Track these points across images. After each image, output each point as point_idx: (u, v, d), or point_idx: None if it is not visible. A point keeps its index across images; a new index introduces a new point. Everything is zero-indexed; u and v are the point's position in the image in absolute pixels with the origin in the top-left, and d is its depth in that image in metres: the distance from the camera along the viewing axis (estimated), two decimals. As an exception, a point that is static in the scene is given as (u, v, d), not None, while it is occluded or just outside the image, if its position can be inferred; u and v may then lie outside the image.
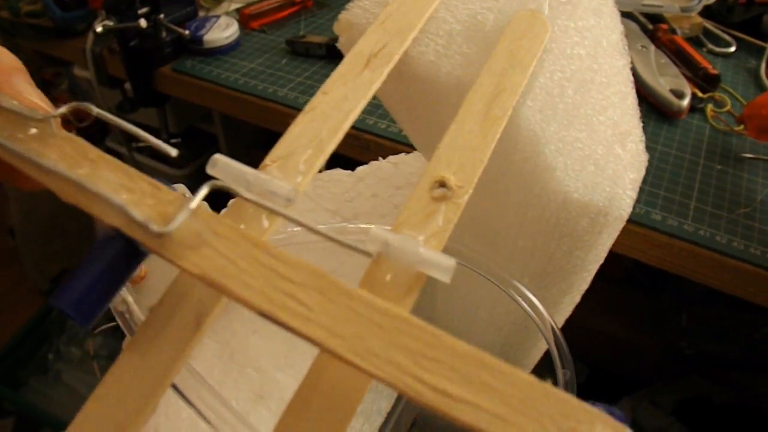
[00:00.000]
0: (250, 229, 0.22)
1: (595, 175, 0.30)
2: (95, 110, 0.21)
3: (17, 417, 1.13)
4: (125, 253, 0.18)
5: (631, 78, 0.34)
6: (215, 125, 1.03)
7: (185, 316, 0.20)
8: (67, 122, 0.22)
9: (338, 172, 0.40)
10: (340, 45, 0.31)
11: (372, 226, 0.21)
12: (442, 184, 0.23)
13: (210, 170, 0.22)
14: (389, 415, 0.47)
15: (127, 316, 0.28)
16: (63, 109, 0.21)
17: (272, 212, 0.20)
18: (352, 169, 0.45)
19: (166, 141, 0.93)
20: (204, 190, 0.19)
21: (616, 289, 1.10)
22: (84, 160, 0.19)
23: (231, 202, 0.23)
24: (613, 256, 0.77)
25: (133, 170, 0.19)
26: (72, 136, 0.21)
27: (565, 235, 0.32)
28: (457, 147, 0.24)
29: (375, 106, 0.73)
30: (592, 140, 0.30)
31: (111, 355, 1.01)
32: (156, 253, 0.18)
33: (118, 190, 0.18)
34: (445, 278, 0.20)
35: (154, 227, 0.17)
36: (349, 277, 0.19)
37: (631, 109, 0.34)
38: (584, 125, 0.30)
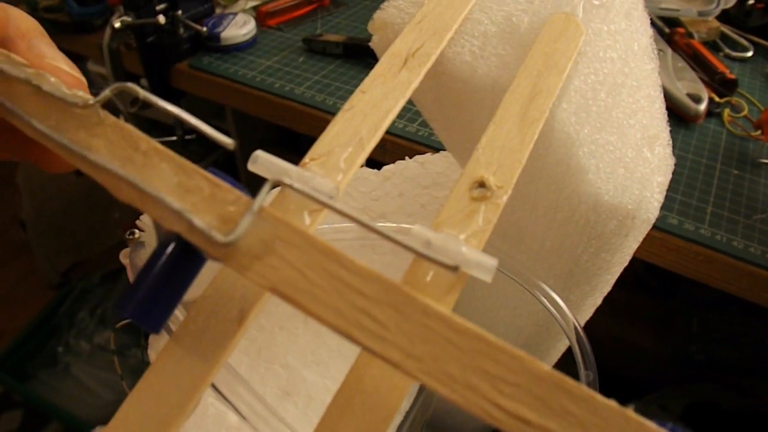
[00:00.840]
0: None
1: (625, 178, 0.31)
2: (141, 93, 0.20)
3: (26, 409, 1.14)
4: (187, 255, 0.17)
5: (659, 82, 0.34)
6: (227, 122, 1.03)
7: (228, 312, 0.21)
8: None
9: (365, 171, 0.40)
10: (373, 44, 0.31)
11: (394, 224, 0.21)
12: (482, 184, 0.23)
13: (251, 167, 0.22)
14: (407, 414, 0.47)
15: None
16: (107, 92, 0.20)
17: (322, 205, 0.20)
18: (371, 167, 0.45)
19: (182, 137, 0.93)
20: (266, 189, 0.18)
21: (627, 293, 1.09)
22: (135, 152, 0.19)
23: (271, 198, 0.23)
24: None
25: (188, 164, 0.18)
26: (120, 122, 0.20)
27: (593, 238, 0.32)
28: (496, 148, 0.24)
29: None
30: (622, 143, 0.30)
31: (120, 350, 1.01)
32: (221, 262, 0.17)
33: (176, 190, 0.17)
34: (486, 278, 0.21)
35: (218, 236, 0.17)
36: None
37: (659, 113, 0.34)
38: (615, 128, 0.30)
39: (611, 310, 1.11)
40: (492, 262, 0.20)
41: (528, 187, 0.31)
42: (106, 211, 1.28)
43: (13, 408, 1.16)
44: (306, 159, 0.24)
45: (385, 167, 0.40)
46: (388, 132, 0.70)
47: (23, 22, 0.24)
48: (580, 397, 0.15)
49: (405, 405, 0.43)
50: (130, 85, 0.20)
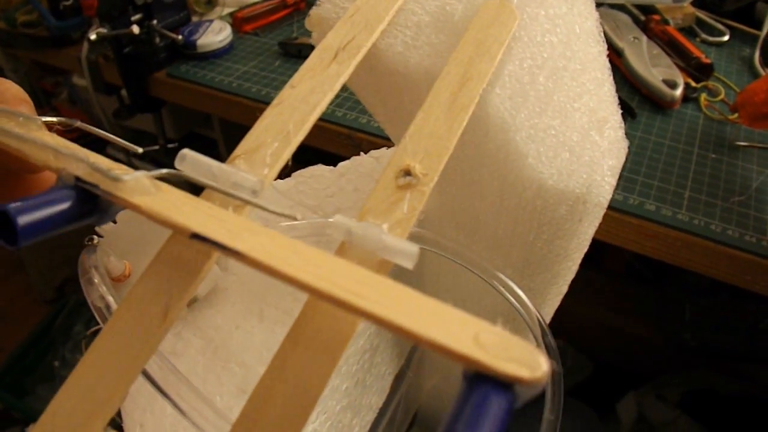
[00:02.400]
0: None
1: (571, 162, 0.30)
2: (77, 123, 0.23)
3: (25, 425, 1.14)
4: (81, 196, 0.18)
5: (608, 65, 0.34)
6: (215, 130, 1.04)
7: (153, 307, 0.21)
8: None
9: (320, 168, 0.40)
10: (312, 40, 0.31)
11: (321, 219, 0.21)
12: (407, 173, 0.23)
13: (178, 164, 0.23)
14: (382, 411, 0.47)
15: (105, 313, 0.28)
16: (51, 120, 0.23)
17: (240, 201, 0.21)
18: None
19: (164, 146, 0.93)
20: (162, 171, 0.20)
21: (618, 282, 1.09)
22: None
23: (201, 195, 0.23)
24: (613, 250, 0.77)
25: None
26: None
27: (544, 224, 0.32)
28: (423, 135, 0.24)
29: (367, 105, 0.74)
30: (566, 127, 0.30)
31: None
32: (110, 194, 0.18)
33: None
34: (408, 265, 0.20)
35: (114, 173, 0.18)
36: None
37: (609, 96, 0.34)
38: (558, 112, 0.30)
39: (603, 301, 1.11)
40: (413, 249, 0.20)
41: (474, 175, 0.31)
42: (92, 231, 1.28)
43: (12, 425, 1.16)
44: (235, 154, 0.24)
45: (341, 163, 0.40)
46: (363, 131, 0.70)
47: (12, 90, 0.26)
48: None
49: (376, 401, 0.43)
50: (69, 120, 0.23)
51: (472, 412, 0.13)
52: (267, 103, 0.81)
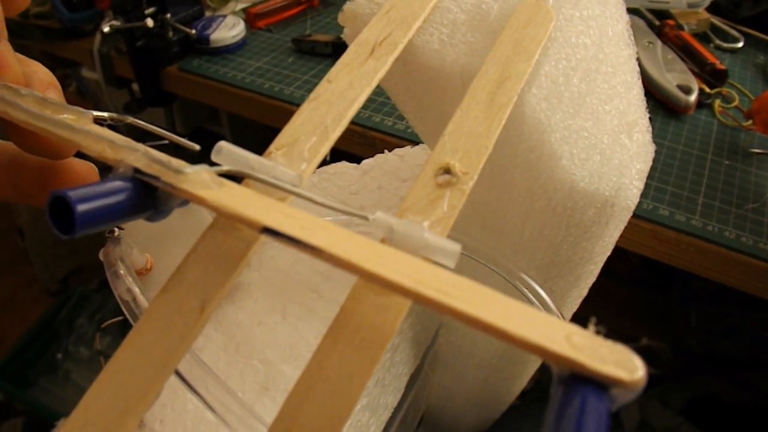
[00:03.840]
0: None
1: (602, 165, 0.30)
2: (129, 119, 0.24)
3: (27, 417, 1.14)
4: (139, 189, 0.18)
5: (637, 68, 0.34)
6: (223, 125, 1.03)
7: (190, 302, 0.20)
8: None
9: (344, 165, 0.40)
10: (345, 36, 0.31)
11: (360, 213, 0.21)
12: (447, 171, 0.23)
13: (215, 157, 0.22)
14: (396, 410, 0.47)
15: (133, 306, 0.28)
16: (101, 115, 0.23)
17: (283, 191, 0.20)
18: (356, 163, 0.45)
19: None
20: (223, 168, 0.20)
21: (624, 287, 1.09)
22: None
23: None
24: (620, 254, 0.77)
25: None
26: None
27: (572, 226, 0.32)
28: (462, 134, 0.24)
29: (381, 104, 0.74)
30: (598, 129, 0.30)
31: (107, 351, 1.01)
32: (172, 186, 0.18)
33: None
34: (449, 263, 0.20)
35: (174, 164, 0.18)
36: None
37: (638, 100, 0.33)
38: (590, 114, 0.30)
39: (609, 306, 1.11)
40: (455, 247, 0.20)
41: (504, 175, 0.31)
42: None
43: (14, 416, 1.16)
44: (271, 148, 0.24)
45: (365, 161, 0.40)
46: (377, 130, 0.70)
47: (40, 74, 0.25)
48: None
49: (391, 401, 0.43)
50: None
51: (576, 415, 0.13)
52: (279, 100, 0.81)
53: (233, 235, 0.22)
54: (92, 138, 0.19)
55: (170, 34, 0.82)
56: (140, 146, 0.18)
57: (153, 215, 0.19)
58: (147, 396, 0.19)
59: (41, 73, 0.26)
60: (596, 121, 0.30)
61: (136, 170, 0.18)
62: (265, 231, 0.17)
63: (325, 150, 0.23)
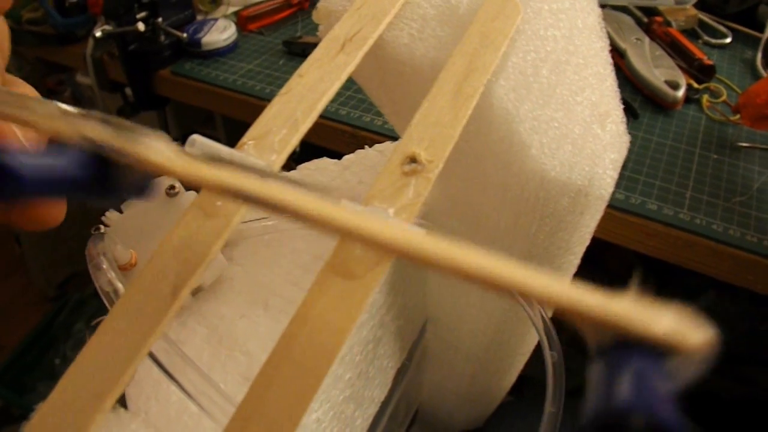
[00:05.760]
0: (225, 206, 0.23)
1: (573, 155, 0.31)
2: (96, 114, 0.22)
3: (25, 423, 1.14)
4: (91, 159, 0.16)
5: (610, 60, 0.34)
6: (218, 128, 1.04)
7: (162, 288, 0.21)
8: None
9: (325, 161, 0.40)
10: (319, 33, 0.32)
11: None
12: (413, 160, 0.23)
13: (188, 149, 0.23)
14: (384, 405, 0.47)
15: (114, 298, 0.28)
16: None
17: (254, 176, 0.21)
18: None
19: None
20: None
21: (620, 284, 1.09)
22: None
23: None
24: (615, 252, 0.77)
25: None
26: None
27: (546, 216, 0.33)
28: (429, 124, 0.24)
29: (371, 104, 0.74)
30: (569, 120, 0.31)
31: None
32: (123, 152, 0.16)
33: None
34: (413, 248, 0.21)
35: (130, 125, 0.16)
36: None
37: (610, 91, 0.34)
38: (560, 105, 0.30)
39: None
40: (419, 232, 0.21)
41: (478, 167, 0.32)
42: (99, 222, 1.29)
43: (13, 422, 1.16)
44: (243, 140, 0.24)
45: (345, 157, 0.41)
46: (367, 129, 0.71)
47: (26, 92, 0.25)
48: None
49: (378, 395, 0.43)
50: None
51: (636, 379, 0.11)
52: (271, 101, 0.81)
53: (205, 224, 0.23)
54: (44, 113, 0.17)
55: (162, 38, 0.83)
56: (96, 113, 0.16)
57: (107, 193, 0.17)
58: (121, 379, 0.20)
59: (29, 92, 0.25)
60: (567, 111, 0.31)
61: (85, 137, 0.16)
62: (237, 195, 0.16)
63: (294, 141, 0.24)
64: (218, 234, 0.22)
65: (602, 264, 1.11)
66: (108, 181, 0.16)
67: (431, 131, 0.24)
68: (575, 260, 0.39)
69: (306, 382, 0.20)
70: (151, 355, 0.28)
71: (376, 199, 0.22)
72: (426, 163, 0.23)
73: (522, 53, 0.28)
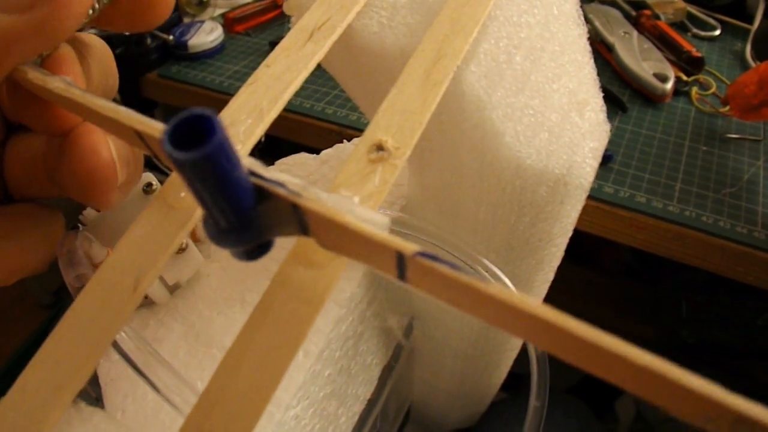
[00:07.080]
0: (188, 197, 0.22)
1: (550, 143, 0.30)
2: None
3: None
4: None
5: (589, 48, 0.34)
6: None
7: (124, 281, 0.21)
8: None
9: (303, 156, 0.40)
10: (291, 25, 0.31)
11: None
12: (380, 147, 0.23)
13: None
14: (371, 403, 0.47)
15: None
16: None
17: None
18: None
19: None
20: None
21: (614, 280, 1.09)
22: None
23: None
24: (609, 247, 0.77)
25: None
26: None
27: (525, 205, 0.32)
28: (396, 111, 0.24)
29: (358, 102, 0.74)
30: (545, 107, 0.30)
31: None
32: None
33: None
34: (378, 235, 0.20)
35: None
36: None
37: (589, 79, 0.34)
38: (536, 92, 0.30)
39: (600, 299, 1.11)
40: (383, 220, 0.20)
41: (453, 157, 0.31)
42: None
43: (9, 430, 1.16)
44: (207, 132, 0.24)
45: (324, 151, 0.40)
46: (354, 128, 0.70)
47: None
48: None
49: (363, 392, 0.43)
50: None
51: None
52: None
53: (168, 215, 0.22)
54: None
55: (148, 41, 0.82)
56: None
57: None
58: (81, 372, 0.20)
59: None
60: (543, 99, 0.30)
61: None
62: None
63: (260, 132, 0.24)
64: (181, 225, 0.22)
65: (597, 261, 1.10)
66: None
67: (399, 118, 0.24)
68: (558, 252, 0.38)
69: (268, 372, 0.19)
70: (123, 354, 0.28)
71: (342, 187, 0.22)
72: (393, 150, 0.23)
73: (494, 39, 0.28)
